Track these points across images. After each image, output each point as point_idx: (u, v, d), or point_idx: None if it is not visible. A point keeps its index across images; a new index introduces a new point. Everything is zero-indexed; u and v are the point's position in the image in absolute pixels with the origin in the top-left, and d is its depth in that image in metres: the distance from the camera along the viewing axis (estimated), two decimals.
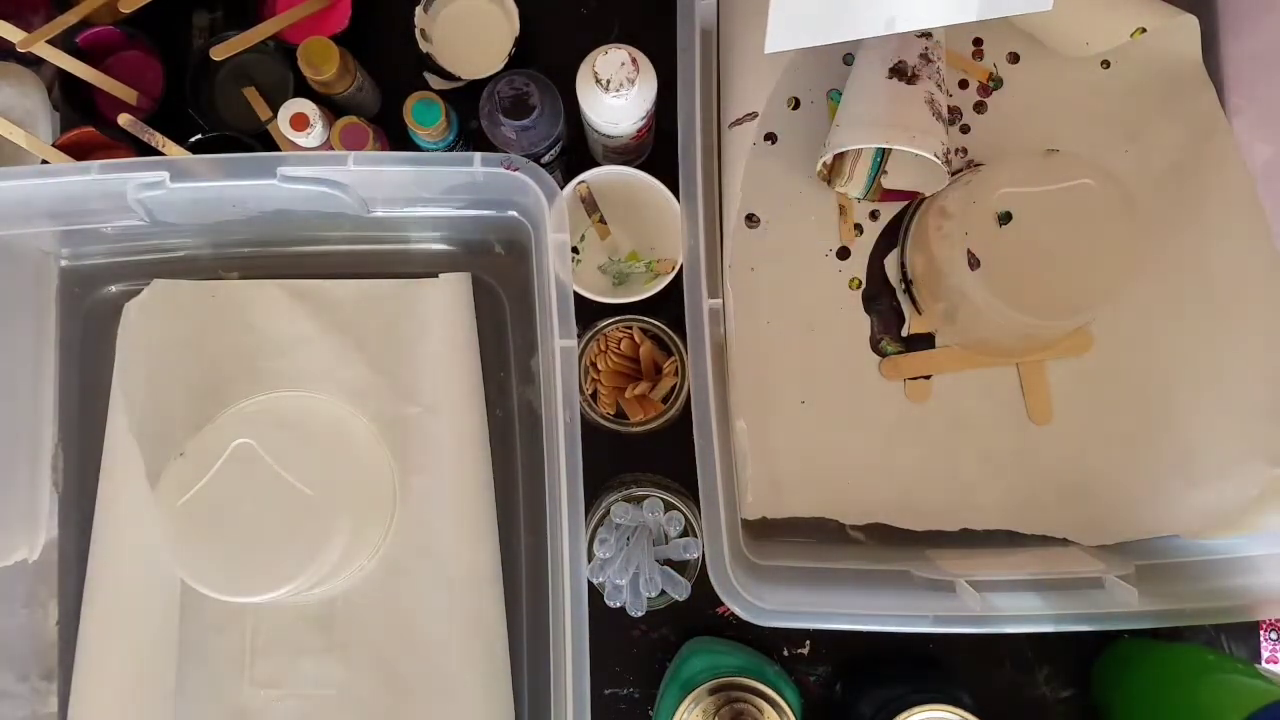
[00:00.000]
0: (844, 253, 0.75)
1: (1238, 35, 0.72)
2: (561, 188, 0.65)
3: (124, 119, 0.68)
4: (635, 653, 0.73)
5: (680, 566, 0.69)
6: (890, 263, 0.75)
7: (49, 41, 0.69)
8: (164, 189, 0.60)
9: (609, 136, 0.66)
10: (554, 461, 0.58)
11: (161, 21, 0.73)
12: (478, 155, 0.59)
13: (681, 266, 0.63)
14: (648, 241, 0.73)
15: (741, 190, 0.65)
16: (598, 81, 0.59)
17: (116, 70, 0.73)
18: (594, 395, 0.70)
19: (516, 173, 0.59)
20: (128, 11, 0.70)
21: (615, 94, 0.60)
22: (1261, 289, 0.70)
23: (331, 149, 0.68)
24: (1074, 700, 0.72)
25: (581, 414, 0.62)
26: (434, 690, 0.67)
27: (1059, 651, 0.72)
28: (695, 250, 0.62)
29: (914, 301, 0.74)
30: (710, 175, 0.65)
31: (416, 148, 0.70)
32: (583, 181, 0.69)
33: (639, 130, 0.66)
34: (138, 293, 0.69)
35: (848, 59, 0.75)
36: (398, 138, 0.73)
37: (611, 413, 0.70)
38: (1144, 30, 0.71)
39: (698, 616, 0.73)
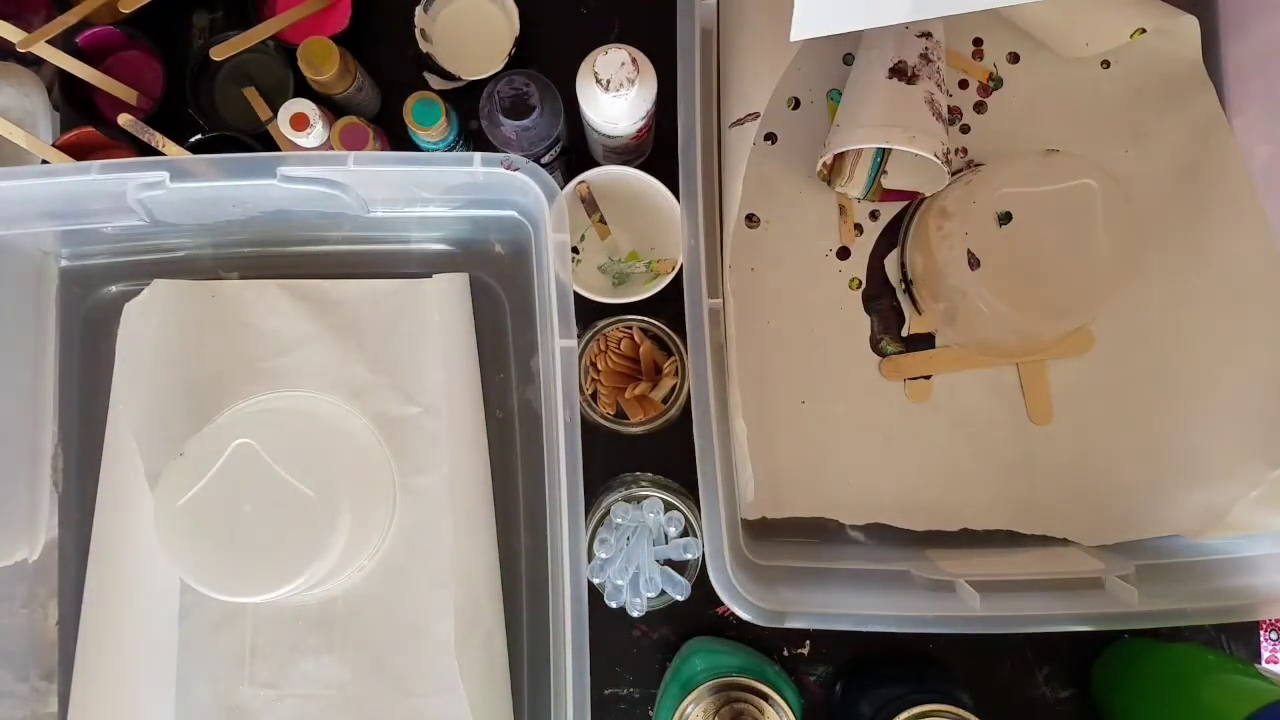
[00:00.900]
0: (844, 253, 0.75)
1: (1238, 35, 0.72)
2: (561, 188, 0.65)
3: (124, 119, 0.68)
4: (635, 653, 0.73)
5: (680, 566, 0.69)
6: (890, 263, 0.75)
7: (49, 41, 0.69)
8: (164, 189, 0.60)
9: (609, 136, 0.66)
10: (554, 461, 0.58)
11: (161, 21, 0.73)
12: (478, 155, 0.59)
13: (681, 266, 0.63)
14: (648, 241, 0.73)
15: (742, 188, 0.65)
16: (598, 81, 0.59)
17: (116, 70, 0.73)
18: (594, 395, 0.70)
19: (516, 173, 0.59)
20: (128, 11, 0.70)
21: (615, 94, 0.60)
22: (1262, 289, 0.70)
23: (331, 149, 0.68)
24: (1074, 700, 0.72)
25: (581, 414, 0.62)
26: (434, 690, 0.67)
27: (1059, 651, 0.72)
28: (695, 250, 0.62)
29: (914, 301, 0.74)
30: (710, 175, 0.65)
31: (416, 148, 0.70)
32: (583, 181, 0.69)
33: (639, 130, 0.66)
34: (138, 293, 0.69)
35: (848, 59, 0.75)
36: (398, 138, 0.73)
37: (611, 413, 0.70)
38: (1144, 30, 0.71)
39: (698, 616, 0.73)
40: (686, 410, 0.64)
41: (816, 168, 0.71)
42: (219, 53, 0.69)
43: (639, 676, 0.73)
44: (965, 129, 0.75)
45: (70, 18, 0.70)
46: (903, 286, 0.75)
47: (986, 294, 0.67)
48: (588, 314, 0.68)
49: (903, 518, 0.72)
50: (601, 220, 0.72)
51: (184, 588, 0.67)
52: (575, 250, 0.73)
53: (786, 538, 0.72)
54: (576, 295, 0.60)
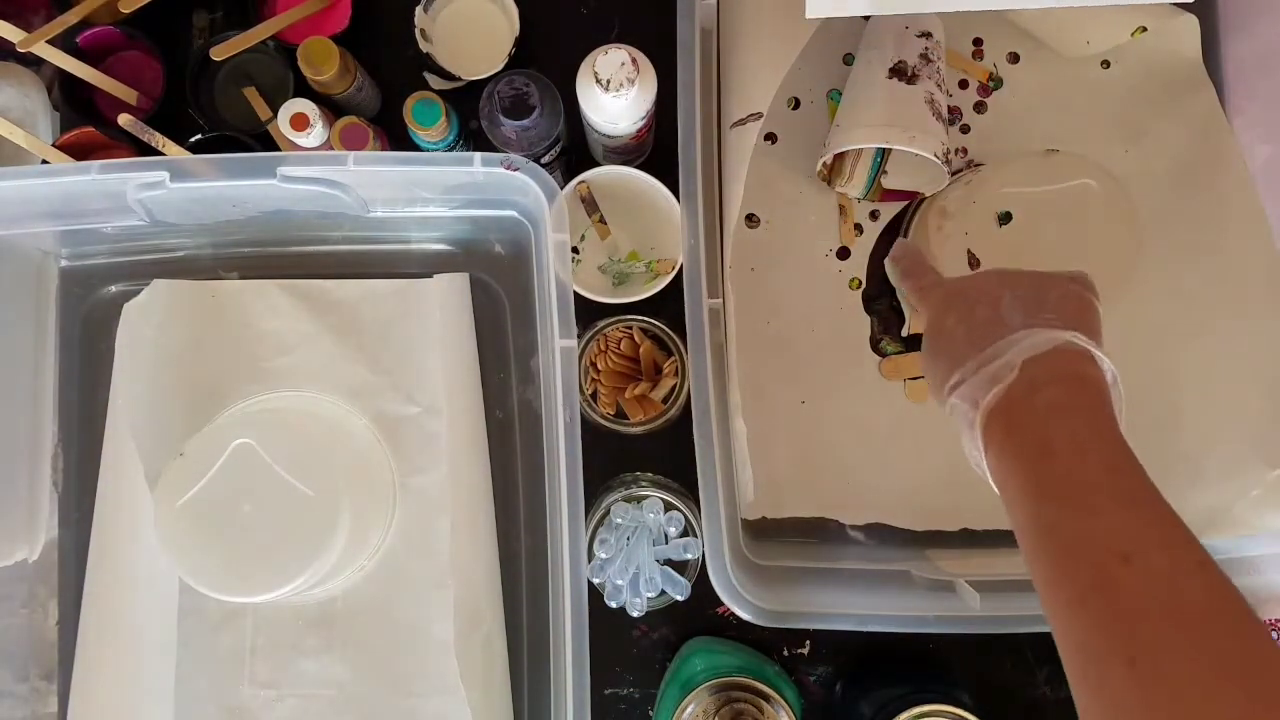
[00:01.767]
0: (844, 253, 0.75)
1: (1238, 35, 0.72)
2: (561, 188, 0.65)
3: (124, 119, 0.68)
4: (635, 653, 0.73)
5: (680, 566, 0.69)
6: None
7: (49, 41, 0.69)
8: (164, 189, 0.60)
9: (609, 136, 0.66)
10: (554, 461, 0.58)
11: (161, 21, 0.73)
12: (478, 155, 0.59)
13: (681, 266, 0.63)
14: (648, 241, 0.73)
15: (743, 191, 0.65)
16: (598, 81, 0.59)
17: (116, 70, 0.73)
18: (594, 395, 0.70)
19: (516, 173, 0.59)
20: (128, 11, 0.70)
21: (615, 94, 0.60)
22: (1262, 289, 0.70)
23: (331, 149, 0.68)
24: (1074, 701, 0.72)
25: (581, 414, 0.62)
26: (434, 690, 0.67)
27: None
28: (695, 250, 0.62)
29: None
30: (710, 175, 0.65)
31: (416, 148, 0.70)
32: (583, 181, 0.69)
33: (639, 130, 0.66)
34: (138, 293, 0.69)
35: (848, 59, 0.75)
36: (398, 138, 0.73)
37: (611, 413, 0.70)
38: (1144, 30, 0.71)
39: (698, 616, 0.73)
40: (686, 410, 0.64)
41: (816, 168, 0.71)
42: (219, 53, 0.69)
43: (639, 676, 0.73)
44: (965, 129, 0.75)
45: (70, 18, 0.70)
46: None
47: None
48: (588, 314, 0.68)
49: (903, 517, 0.72)
50: (601, 220, 0.72)
51: (184, 588, 0.67)
52: (575, 250, 0.73)
53: (786, 538, 0.72)
54: (576, 295, 0.60)
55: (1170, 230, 0.73)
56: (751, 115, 0.65)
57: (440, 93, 0.71)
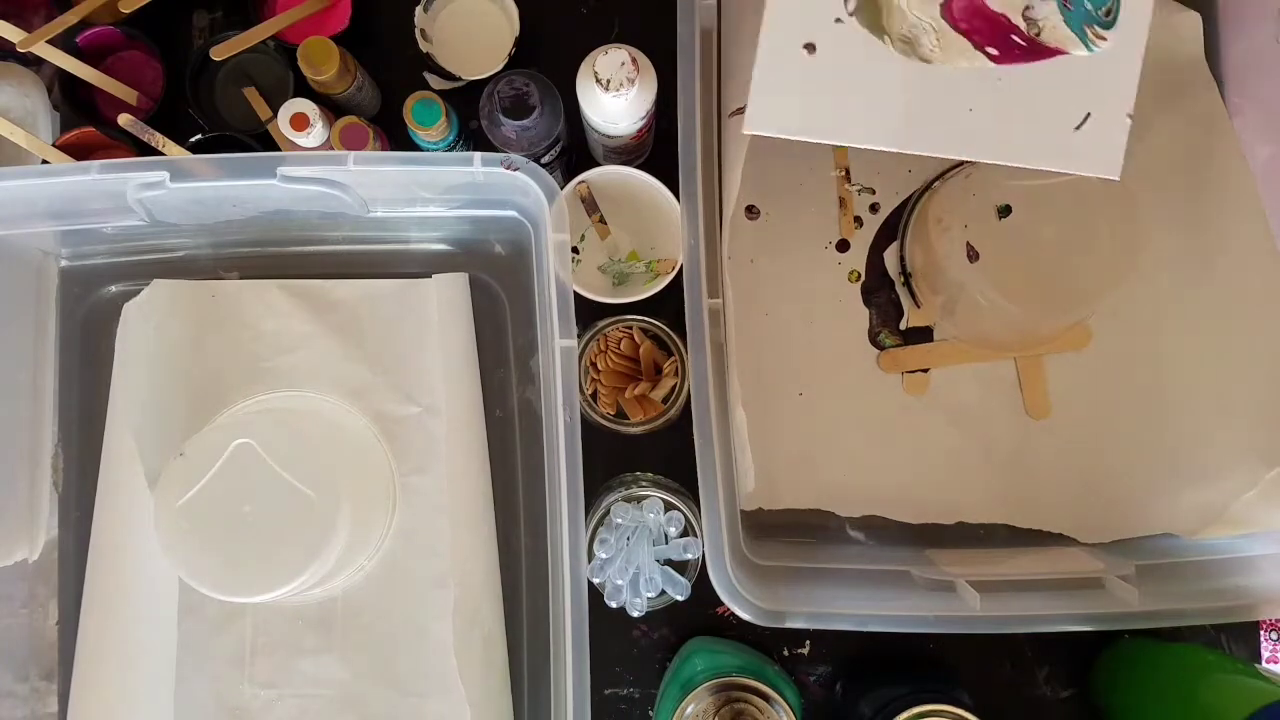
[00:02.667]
0: (843, 245, 0.75)
1: (1238, 35, 0.72)
2: (561, 188, 0.65)
3: (124, 119, 0.68)
4: (635, 653, 0.73)
5: (680, 566, 0.69)
6: (889, 256, 0.75)
7: (49, 41, 0.69)
8: (164, 189, 0.60)
9: (609, 136, 0.66)
10: (554, 461, 0.58)
11: (161, 21, 0.73)
12: (478, 155, 0.59)
13: (681, 266, 0.63)
14: (648, 241, 0.73)
15: (742, 180, 0.65)
16: (598, 81, 0.59)
17: (116, 70, 0.73)
18: (594, 395, 0.70)
19: (516, 173, 0.59)
20: (128, 11, 0.70)
21: (615, 94, 0.60)
22: (1261, 287, 0.70)
23: (331, 149, 0.68)
24: (1074, 700, 0.72)
25: (581, 414, 0.62)
26: (434, 690, 0.67)
27: (1059, 651, 0.72)
28: (695, 250, 0.62)
29: (913, 295, 0.74)
30: (710, 175, 0.65)
31: (416, 148, 0.70)
32: (583, 181, 0.69)
33: (639, 130, 0.66)
34: (138, 293, 0.69)
35: None
36: (398, 138, 0.73)
37: (611, 413, 0.70)
38: None
39: (698, 616, 0.73)
40: (686, 410, 0.64)
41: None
42: (219, 53, 0.69)
43: (639, 676, 0.73)
44: None
45: (70, 18, 0.70)
46: (902, 280, 0.75)
47: (985, 288, 0.67)
48: (588, 314, 0.68)
49: (899, 510, 0.72)
50: (601, 220, 0.72)
51: (184, 588, 0.67)
52: (575, 250, 0.73)
53: (786, 538, 0.72)
54: (576, 295, 0.60)
55: (1170, 226, 0.73)
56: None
57: (440, 93, 0.71)
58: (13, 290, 0.70)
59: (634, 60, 0.60)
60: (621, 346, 0.70)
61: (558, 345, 0.59)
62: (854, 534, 0.73)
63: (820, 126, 0.59)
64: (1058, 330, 0.72)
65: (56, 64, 0.70)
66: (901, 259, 0.75)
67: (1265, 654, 0.75)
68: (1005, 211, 0.68)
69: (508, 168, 0.59)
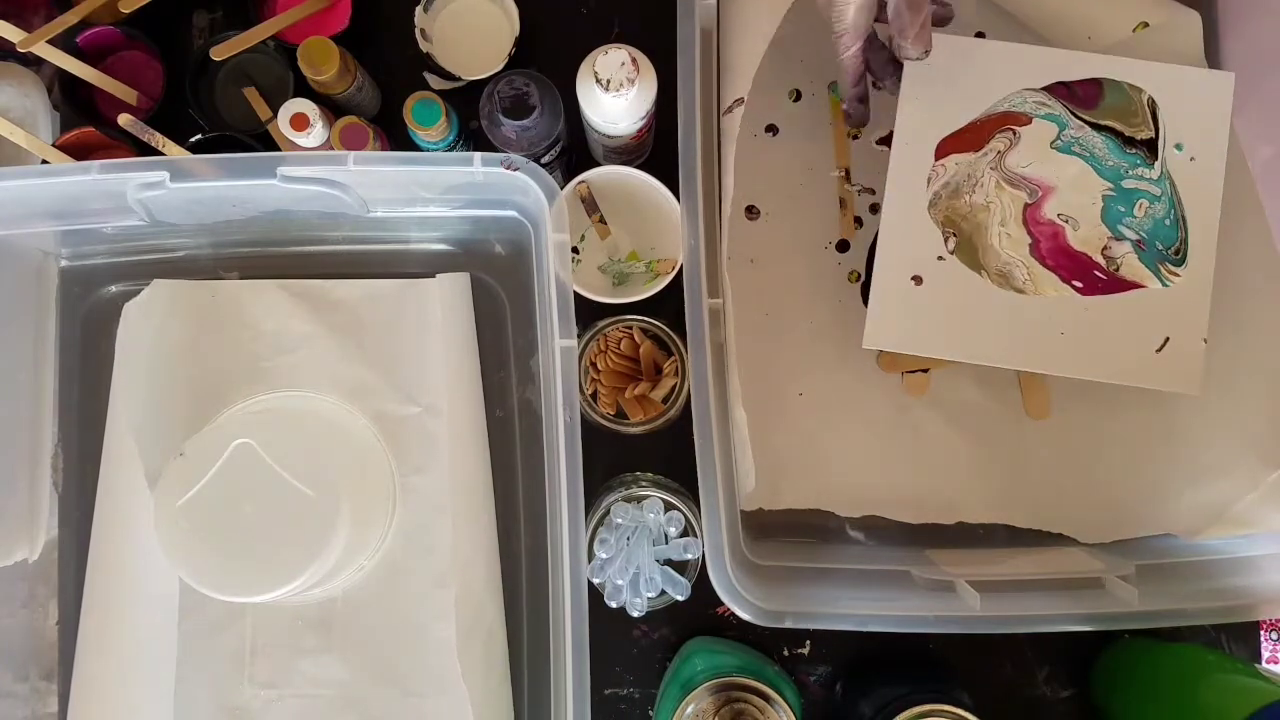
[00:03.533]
0: (843, 246, 0.75)
1: (1238, 34, 0.72)
2: (561, 188, 0.65)
3: (124, 119, 0.68)
4: (635, 653, 0.73)
5: (680, 566, 0.69)
6: None
7: (49, 41, 0.69)
8: (164, 189, 0.60)
9: (609, 136, 0.66)
10: (554, 461, 0.58)
11: (161, 21, 0.73)
12: (478, 155, 0.59)
13: (681, 266, 0.63)
14: (648, 241, 0.73)
15: (736, 179, 0.65)
16: (598, 81, 0.59)
17: (116, 70, 0.73)
18: (594, 395, 0.70)
19: (516, 173, 0.59)
20: (128, 11, 0.70)
21: (615, 94, 0.60)
22: (1261, 288, 0.70)
23: (331, 149, 0.68)
24: (1074, 700, 0.72)
25: (581, 414, 0.62)
26: (434, 690, 0.67)
27: (1059, 651, 0.73)
28: (695, 250, 0.62)
29: None
30: (710, 175, 0.65)
31: (416, 148, 0.70)
32: (583, 181, 0.69)
33: (639, 130, 0.66)
34: (138, 293, 0.69)
35: None
36: (398, 138, 0.73)
37: (611, 413, 0.70)
38: (1146, 25, 0.71)
39: (698, 616, 0.73)
40: (686, 410, 0.64)
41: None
42: (219, 53, 0.69)
43: (639, 676, 0.73)
44: None
45: (70, 18, 0.70)
46: None
47: None
48: (588, 314, 0.68)
49: (899, 510, 0.72)
50: (601, 220, 0.72)
51: (184, 588, 0.67)
52: (575, 250, 0.73)
53: (786, 538, 0.72)
54: (576, 295, 0.60)
55: None
56: (735, 101, 0.66)
57: (440, 93, 0.71)
58: (13, 290, 0.70)
59: (634, 60, 0.60)
60: (621, 346, 0.70)
61: (558, 345, 0.59)
62: (854, 534, 0.73)
63: (930, 344, 0.67)
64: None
65: (56, 64, 0.70)
66: None
67: (1265, 654, 0.75)
68: None
69: (508, 168, 0.59)
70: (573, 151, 0.74)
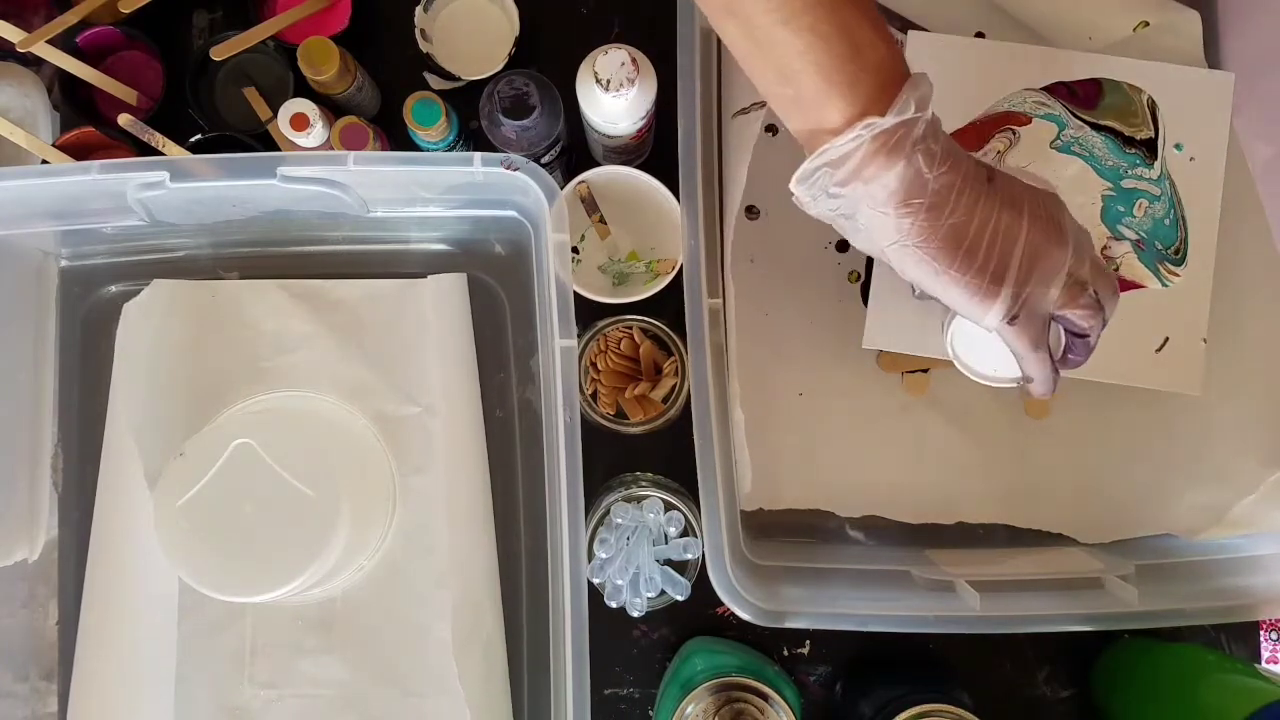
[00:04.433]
0: (843, 245, 0.75)
1: (1238, 34, 0.72)
2: (561, 188, 0.65)
3: (124, 119, 0.68)
4: (635, 653, 0.73)
5: (680, 566, 0.69)
6: None
7: (49, 41, 0.69)
8: (164, 189, 0.60)
9: (609, 136, 0.66)
10: (554, 461, 0.58)
11: (161, 21, 0.73)
12: (478, 155, 0.59)
13: (681, 266, 0.63)
14: (648, 241, 0.73)
15: (746, 180, 0.65)
16: (598, 81, 0.59)
17: (116, 70, 0.73)
18: (594, 395, 0.70)
19: (516, 173, 0.59)
20: (128, 11, 0.70)
21: (615, 94, 0.60)
22: (1261, 288, 0.70)
23: (331, 149, 0.68)
24: (1074, 700, 0.72)
25: (581, 414, 0.62)
26: (434, 690, 0.67)
27: (1059, 651, 0.72)
28: (695, 250, 0.62)
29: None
30: (710, 175, 0.65)
31: (416, 148, 0.70)
32: (583, 181, 0.69)
33: (639, 130, 0.66)
34: (138, 293, 0.69)
35: None
36: (398, 138, 0.73)
37: (611, 413, 0.70)
38: (1146, 24, 0.71)
39: (698, 616, 0.73)
40: (686, 410, 0.64)
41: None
42: (219, 53, 0.69)
43: (639, 676, 0.73)
44: None
45: (70, 18, 0.70)
46: None
47: None
48: (588, 314, 0.68)
49: (898, 510, 0.72)
50: (601, 220, 0.72)
51: (184, 588, 0.67)
52: (575, 250, 0.73)
53: (786, 538, 0.72)
54: (576, 295, 0.60)
55: None
56: (755, 104, 0.65)
57: (440, 93, 0.71)
58: (13, 290, 0.70)
59: (634, 60, 0.60)
60: (621, 346, 0.70)
61: (558, 345, 0.59)
62: (854, 534, 0.73)
63: (930, 344, 0.67)
64: None
65: (56, 64, 0.70)
66: None
67: (1265, 654, 0.75)
68: None
69: (508, 168, 0.59)
70: (573, 151, 0.74)
